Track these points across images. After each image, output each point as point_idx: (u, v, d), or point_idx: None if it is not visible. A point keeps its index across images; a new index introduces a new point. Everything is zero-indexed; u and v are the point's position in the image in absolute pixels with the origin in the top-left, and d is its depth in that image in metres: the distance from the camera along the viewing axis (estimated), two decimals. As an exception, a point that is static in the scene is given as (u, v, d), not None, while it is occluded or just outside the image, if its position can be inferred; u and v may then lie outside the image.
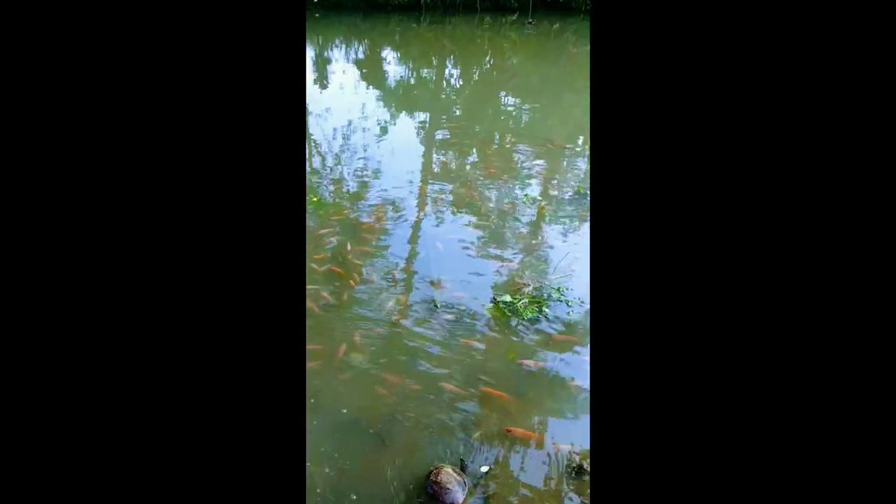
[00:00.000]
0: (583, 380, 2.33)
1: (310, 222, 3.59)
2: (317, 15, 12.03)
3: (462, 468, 1.96)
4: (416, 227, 3.61)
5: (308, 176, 4.43)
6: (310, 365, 2.37)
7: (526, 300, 2.81)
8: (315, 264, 3.11)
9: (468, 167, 4.58)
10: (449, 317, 2.71)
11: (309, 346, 2.48)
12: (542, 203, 3.92)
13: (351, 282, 2.96)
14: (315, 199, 3.87)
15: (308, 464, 1.95)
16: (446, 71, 8.65)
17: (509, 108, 6.62)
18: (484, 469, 1.96)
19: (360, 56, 9.45)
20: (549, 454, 2.02)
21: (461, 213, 3.78)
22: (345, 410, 2.17)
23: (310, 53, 9.42)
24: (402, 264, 3.18)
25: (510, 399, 2.24)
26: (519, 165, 4.62)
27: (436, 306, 2.78)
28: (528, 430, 2.11)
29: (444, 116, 6.19)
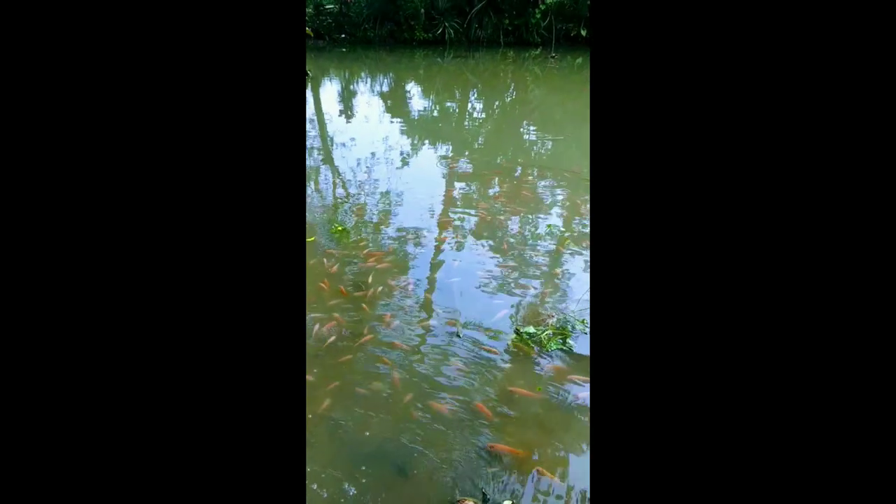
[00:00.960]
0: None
1: (332, 250, 3.64)
2: (344, 49, 12.46)
3: (484, 501, 1.91)
4: (437, 256, 3.63)
5: (331, 204, 4.51)
6: (327, 392, 2.37)
7: (549, 331, 2.77)
8: (334, 292, 3.14)
9: (489, 197, 4.61)
10: (470, 347, 2.69)
11: (329, 381, 2.48)
12: (565, 234, 3.91)
13: (364, 305, 2.97)
14: (339, 228, 3.93)
15: (327, 494, 1.92)
16: (469, 104, 8.82)
17: (531, 140, 6.68)
18: (507, 503, 1.91)
19: (385, 89, 9.71)
20: (569, 488, 1.96)
21: (482, 242, 3.79)
22: (367, 433, 2.15)
23: (336, 87, 9.72)
24: (422, 293, 3.18)
25: (532, 432, 2.19)
26: (541, 196, 4.63)
27: (458, 336, 2.76)
28: (515, 448, 2.10)
29: (466, 148, 6.28)
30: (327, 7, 12.83)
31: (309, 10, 12.48)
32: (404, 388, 2.42)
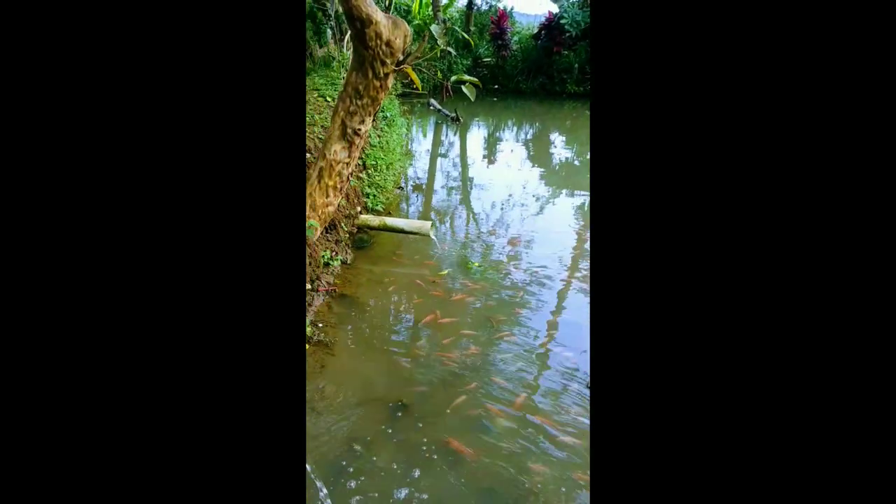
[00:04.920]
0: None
1: (459, 285, 3.85)
2: (495, 99, 13.15)
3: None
4: (562, 301, 3.64)
5: (463, 241, 4.77)
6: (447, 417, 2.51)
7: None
8: (452, 325, 3.31)
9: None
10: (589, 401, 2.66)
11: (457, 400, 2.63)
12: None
13: (482, 344, 3.07)
14: (475, 265, 4.15)
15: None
16: (613, 156, 8.70)
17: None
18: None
19: (530, 137, 10.01)
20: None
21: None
22: (500, 465, 2.24)
23: (483, 132, 10.28)
24: (542, 339, 3.22)
25: None
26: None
27: (588, 388, 2.74)
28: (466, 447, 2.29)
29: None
30: (485, 60, 13.73)
31: (467, 62, 13.48)
32: (514, 435, 2.47)
